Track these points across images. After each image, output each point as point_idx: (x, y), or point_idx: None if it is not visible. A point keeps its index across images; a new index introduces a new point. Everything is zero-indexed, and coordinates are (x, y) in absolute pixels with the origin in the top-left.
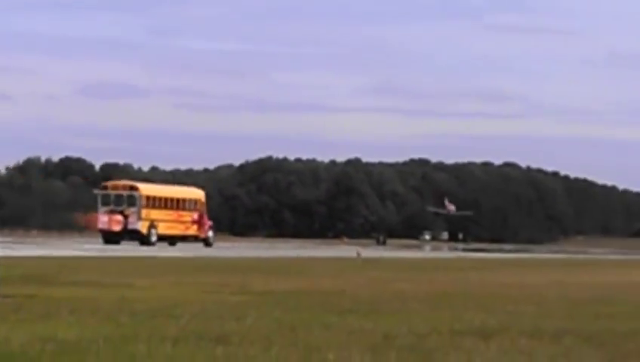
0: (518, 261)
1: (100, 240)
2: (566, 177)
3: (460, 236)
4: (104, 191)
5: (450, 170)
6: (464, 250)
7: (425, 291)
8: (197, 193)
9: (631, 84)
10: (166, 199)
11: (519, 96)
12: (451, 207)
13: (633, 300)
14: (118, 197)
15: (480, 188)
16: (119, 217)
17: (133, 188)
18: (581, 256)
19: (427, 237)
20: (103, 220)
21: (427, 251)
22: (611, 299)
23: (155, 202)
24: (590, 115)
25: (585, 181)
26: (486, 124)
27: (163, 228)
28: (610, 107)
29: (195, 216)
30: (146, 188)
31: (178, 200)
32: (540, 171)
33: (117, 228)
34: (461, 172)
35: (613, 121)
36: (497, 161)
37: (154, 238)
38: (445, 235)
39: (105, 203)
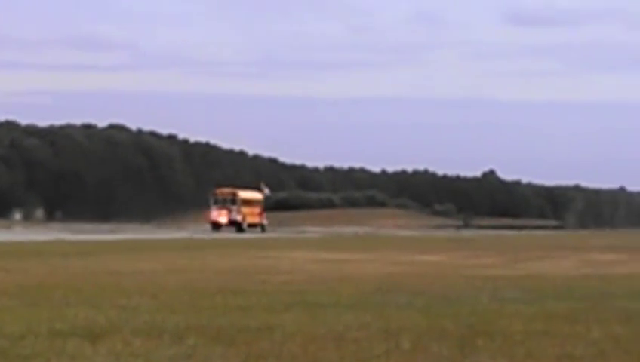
0: (131, 243)
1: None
2: (185, 141)
3: (60, 215)
4: (215, 196)
5: (44, 135)
6: (66, 230)
7: (17, 283)
8: (259, 195)
9: (265, 28)
10: (248, 200)
11: (125, 44)
12: (266, 190)
13: (267, 289)
14: (224, 199)
15: (81, 156)
16: (225, 212)
17: (235, 194)
18: (206, 236)
19: (18, 216)
20: (214, 214)
21: (18, 233)
22: (242, 288)
23: (244, 202)
24: (214, 67)
25: (208, 145)
26: (85, 78)
27: (249, 219)
28: (240, 57)
29: (259, 210)
30: (242, 193)
31: (252, 200)
32: (153, 134)
33: (223, 220)
34: (57, 136)
35: (243, 74)
36: (101, 123)
37: (245, 226)
38: (41, 214)
39: (215, 203)
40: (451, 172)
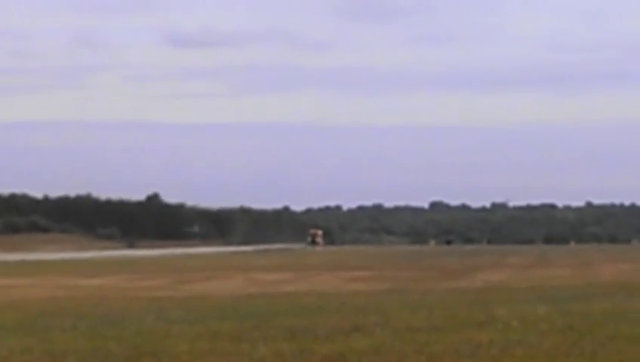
0: None
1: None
2: None
3: None
4: (309, 231)
5: None
6: None
7: None
8: (320, 230)
9: None
10: (320, 234)
11: None
12: (196, 228)
13: None
14: (313, 233)
15: None
16: (311, 238)
17: (316, 231)
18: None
19: None
20: (308, 240)
21: None
22: None
23: (319, 234)
24: None
25: None
26: None
27: (320, 241)
28: None
29: (321, 236)
30: (319, 231)
31: (319, 234)
32: None
33: (312, 240)
34: None
35: None
36: None
37: (320, 244)
38: None
39: (309, 235)
40: (115, 196)
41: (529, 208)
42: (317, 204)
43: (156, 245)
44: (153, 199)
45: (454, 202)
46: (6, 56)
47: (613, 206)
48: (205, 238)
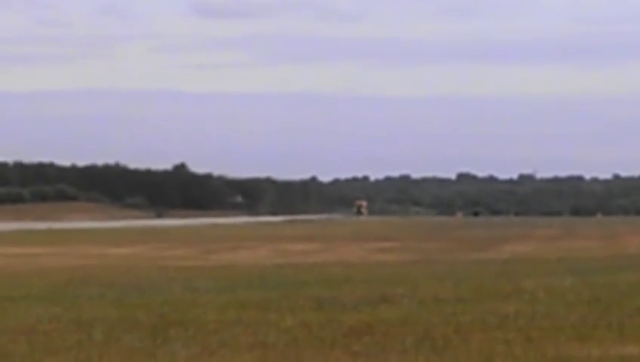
0: None
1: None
2: None
3: None
4: (355, 201)
5: None
6: None
7: None
8: (365, 201)
9: None
10: (365, 205)
11: None
12: (239, 198)
13: None
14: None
15: None
16: (357, 209)
17: (361, 202)
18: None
19: None
20: (354, 210)
21: None
22: None
23: (364, 205)
24: None
25: None
26: None
27: (364, 211)
28: None
29: (365, 206)
30: (364, 202)
31: (364, 205)
32: None
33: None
34: None
35: None
36: None
37: (364, 213)
38: None
39: (355, 206)
40: (142, 165)
41: (556, 180)
42: (344, 174)
43: (184, 214)
44: (180, 169)
45: (481, 173)
46: (34, 25)
47: None
48: (233, 208)
